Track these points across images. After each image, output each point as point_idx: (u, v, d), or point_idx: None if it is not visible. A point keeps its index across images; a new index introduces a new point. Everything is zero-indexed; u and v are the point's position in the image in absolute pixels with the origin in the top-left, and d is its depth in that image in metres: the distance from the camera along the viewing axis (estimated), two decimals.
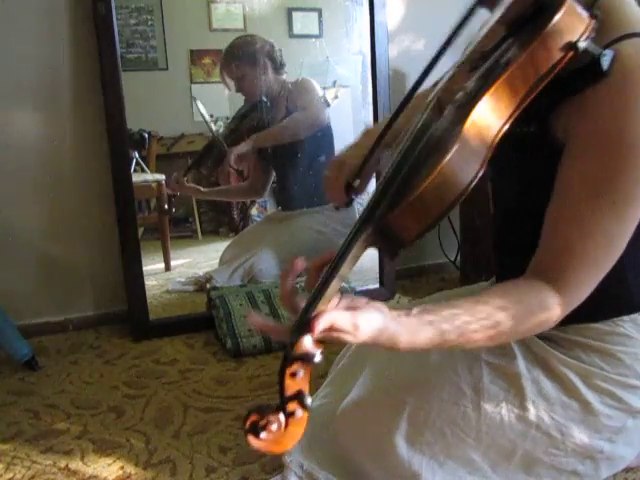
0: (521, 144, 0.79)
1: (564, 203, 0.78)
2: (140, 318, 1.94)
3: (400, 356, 0.99)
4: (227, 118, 2.31)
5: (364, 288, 2.20)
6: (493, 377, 0.91)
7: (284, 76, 2.26)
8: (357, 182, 0.90)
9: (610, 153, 0.75)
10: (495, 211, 1.04)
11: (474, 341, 0.72)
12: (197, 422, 1.40)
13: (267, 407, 0.60)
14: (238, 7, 2.22)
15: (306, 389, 0.61)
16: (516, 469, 0.92)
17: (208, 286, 2.13)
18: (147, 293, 1.98)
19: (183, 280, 2.25)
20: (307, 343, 0.61)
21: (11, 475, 1.23)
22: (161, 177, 2.23)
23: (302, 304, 0.66)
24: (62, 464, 1.26)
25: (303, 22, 2.29)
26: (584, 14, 0.71)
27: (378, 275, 2.23)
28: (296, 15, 2.28)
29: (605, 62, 0.72)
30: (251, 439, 0.60)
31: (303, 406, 0.60)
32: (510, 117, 0.69)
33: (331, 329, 0.62)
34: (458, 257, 2.27)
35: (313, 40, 2.30)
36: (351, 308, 0.64)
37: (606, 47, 0.73)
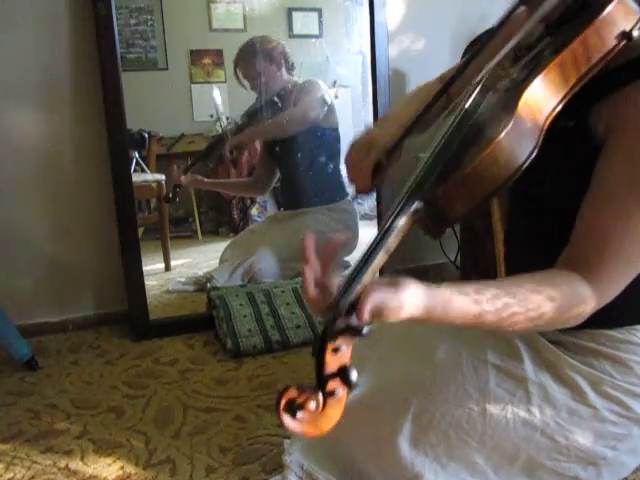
0: (557, 139, 0.79)
1: (605, 198, 0.77)
2: (140, 318, 1.94)
3: (404, 354, 0.98)
4: (227, 118, 2.31)
5: None
6: (499, 380, 0.90)
7: (295, 77, 2.27)
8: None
9: None
10: (511, 208, 1.03)
11: (513, 325, 0.72)
12: (197, 422, 1.40)
13: (306, 384, 0.57)
14: (238, 7, 2.22)
15: (349, 363, 0.58)
16: (518, 473, 0.92)
17: (208, 286, 2.13)
18: (147, 293, 1.98)
19: (183, 280, 2.25)
20: (352, 316, 0.59)
21: (11, 475, 1.23)
22: (161, 177, 2.23)
23: (335, 282, 0.65)
24: (62, 464, 1.26)
25: (303, 22, 2.29)
26: (636, 7, 0.73)
27: (378, 275, 2.22)
28: (296, 15, 2.29)
29: None
30: (286, 419, 0.56)
31: (346, 382, 0.58)
32: (560, 101, 0.71)
33: (376, 307, 0.61)
34: (458, 257, 2.27)
35: (313, 40, 2.31)
36: (392, 284, 0.64)
37: None
